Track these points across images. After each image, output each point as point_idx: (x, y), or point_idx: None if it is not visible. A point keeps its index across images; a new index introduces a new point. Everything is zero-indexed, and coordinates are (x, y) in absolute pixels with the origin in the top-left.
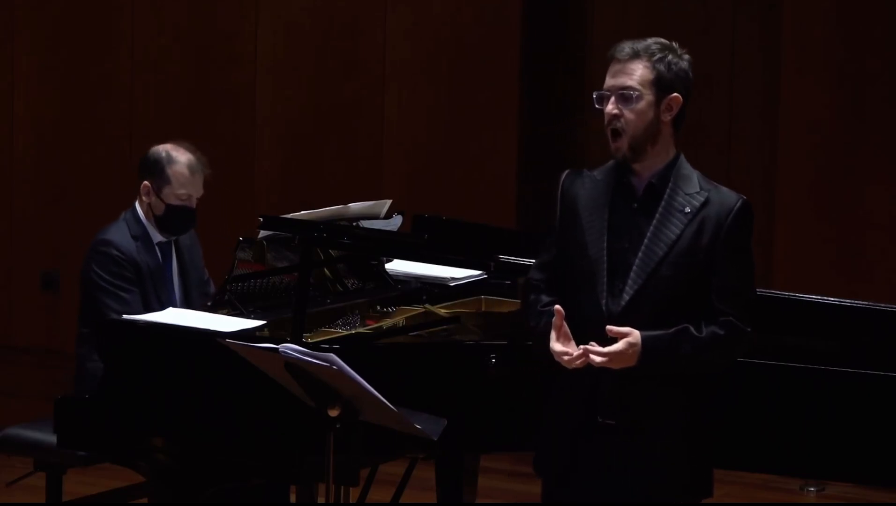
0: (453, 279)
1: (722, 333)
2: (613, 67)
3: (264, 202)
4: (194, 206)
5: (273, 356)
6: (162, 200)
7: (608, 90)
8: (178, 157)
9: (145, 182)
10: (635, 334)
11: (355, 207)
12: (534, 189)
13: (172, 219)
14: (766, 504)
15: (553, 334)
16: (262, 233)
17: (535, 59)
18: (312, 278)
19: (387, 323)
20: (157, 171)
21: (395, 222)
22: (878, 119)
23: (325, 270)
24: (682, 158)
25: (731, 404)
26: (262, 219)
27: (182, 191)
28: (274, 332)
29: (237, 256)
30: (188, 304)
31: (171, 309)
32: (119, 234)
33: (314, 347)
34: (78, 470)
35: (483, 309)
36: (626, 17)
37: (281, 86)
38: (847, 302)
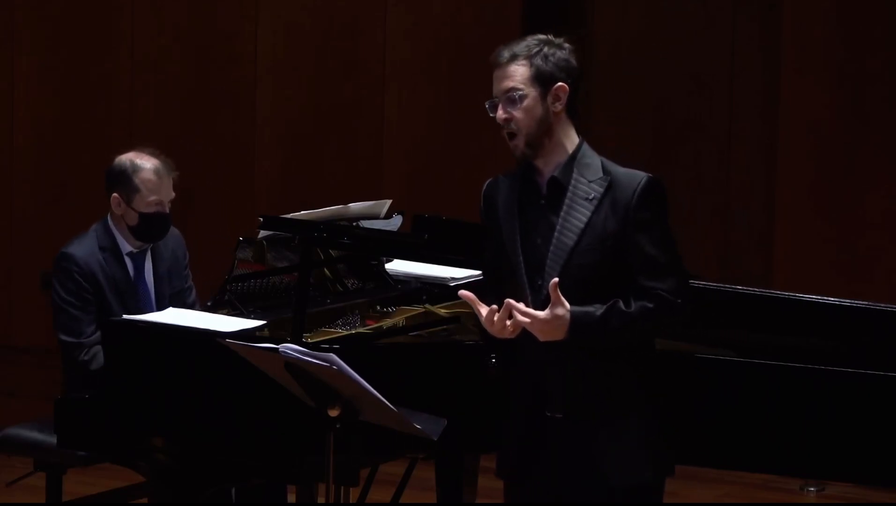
0: (453, 279)
1: (651, 305)
2: (495, 74)
3: (264, 202)
4: (167, 210)
5: (273, 356)
6: (133, 209)
7: (496, 97)
8: (144, 163)
9: (115, 194)
10: (566, 307)
11: (355, 207)
12: None
13: (147, 227)
14: (766, 504)
15: (478, 310)
16: (262, 233)
17: None
18: (312, 278)
19: (387, 323)
20: (124, 181)
21: (395, 222)
22: (878, 119)
23: (325, 270)
24: (585, 146)
25: (731, 403)
26: (262, 219)
27: (153, 197)
28: (274, 332)
29: (237, 256)
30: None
31: (171, 309)
32: (82, 247)
33: (314, 347)
34: (78, 470)
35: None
36: (626, 17)
37: (281, 86)
38: (847, 302)
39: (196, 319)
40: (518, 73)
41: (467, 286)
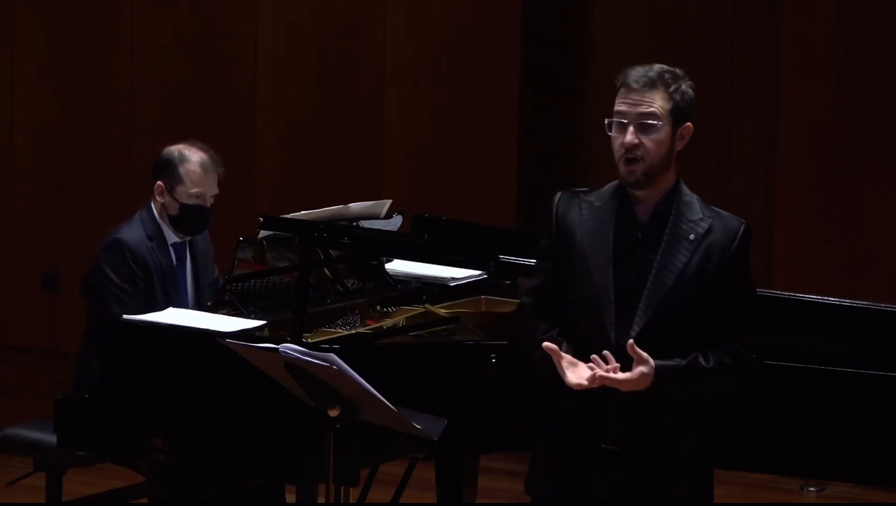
0: (453, 279)
1: (729, 361)
2: (629, 95)
3: (264, 202)
4: (208, 204)
5: (273, 356)
6: (175, 199)
7: (626, 118)
8: (191, 155)
9: (158, 182)
10: (651, 364)
11: (355, 207)
12: (533, 190)
13: (187, 218)
14: (766, 504)
15: (562, 370)
16: (262, 233)
17: (535, 59)
18: (312, 278)
19: (387, 323)
20: (170, 170)
21: (395, 222)
22: (878, 119)
23: (325, 270)
24: (682, 183)
25: (731, 403)
26: (262, 219)
27: (195, 189)
28: (274, 332)
29: (237, 256)
30: (199, 306)
31: (171, 309)
32: (132, 233)
33: (314, 347)
34: (78, 470)
35: (483, 309)
36: (626, 18)
37: (281, 86)
38: (847, 302)
39: (196, 319)
40: (657, 102)
41: (471, 289)
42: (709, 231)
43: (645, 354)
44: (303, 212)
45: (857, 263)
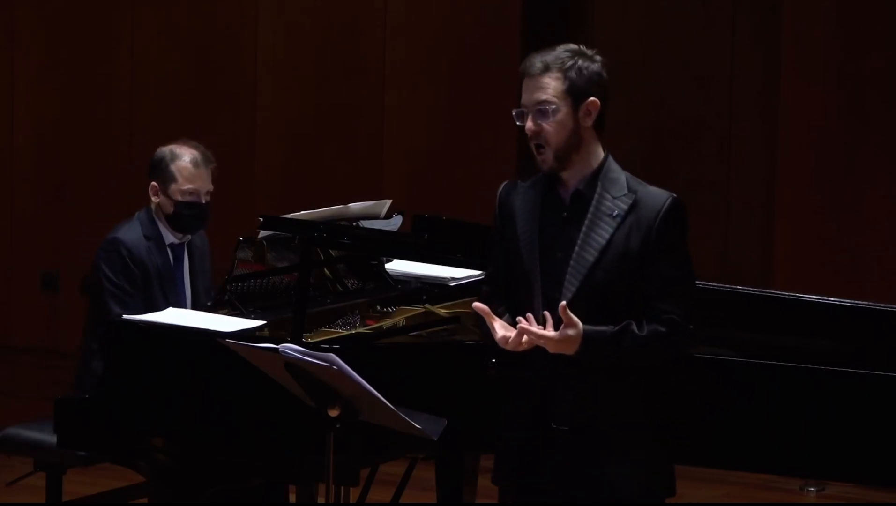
0: (453, 279)
1: (664, 330)
2: (527, 83)
3: (264, 202)
4: (204, 201)
5: (273, 356)
6: (170, 197)
7: (525, 107)
8: (182, 153)
9: (153, 182)
10: (579, 327)
11: (355, 207)
12: None
13: (183, 216)
14: (766, 504)
15: (492, 326)
16: (262, 233)
17: None
18: (312, 278)
19: (387, 323)
20: (162, 169)
21: (395, 222)
22: (878, 119)
23: (325, 270)
24: (611, 160)
25: (731, 403)
26: (262, 219)
27: (188, 186)
28: (274, 332)
29: (237, 256)
30: (196, 308)
31: (170, 309)
32: (130, 233)
33: (314, 347)
34: (78, 470)
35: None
36: (626, 17)
37: (281, 86)
38: (847, 302)
39: (196, 319)
40: (551, 86)
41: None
42: (633, 206)
43: (575, 318)
44: (303, 212)
45: (857, 263)
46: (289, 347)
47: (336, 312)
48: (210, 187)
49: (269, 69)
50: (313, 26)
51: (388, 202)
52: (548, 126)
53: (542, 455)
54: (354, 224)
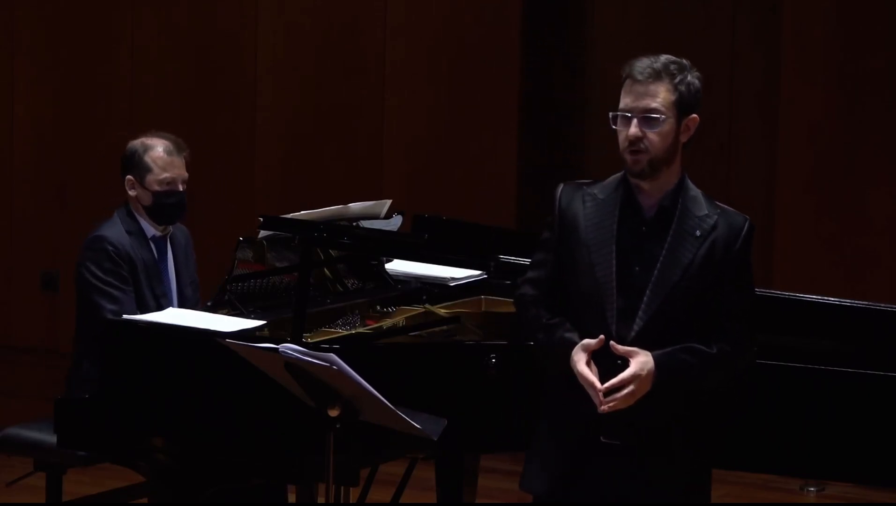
0: (453, 279)
1: (730, 349)
2: (633, 88)
3: (264, 202)
4: (181, 189)
5: (273, 356)
6: (147, 188)
7: (629, 111)
8: (154, 143)
9: (128, 176)
10: (645, 353)
11: (355, 207)
12: (534, 189)
13: (162, 206)
14: (766, 504)
15: (583, 356)
16: (262, 233)
17: (535, 59)
18: (312, 278)
19: (387, 323)
20: (136, 161)
21: (395, 222)
22: (878, 119)
23: (325, 270)
24: (688, 178)
25: (731, 403)
26: (262, 219)
27: (165, 175)
28: (274, 332)
29: (237, 256)
30: (182, 298)
31: (170, 309)
32: (112, 229)
33: (314, 347)
34: (78, 470)
35: (483, 309)
36: (626, 17)
37: (281, 86)
38: (847, 302)
39: (196, 319)
40: (661, 95)
41: (471, 289)
42: (714, 227)
43: (632, 348)
44: (303, 212)
45: (857, 262)
46: (289, 347)
47: (336, 312)
48: (185, 175)
49: (269, 69)
50: (313, 26)
51: (388, 202)
52: (652, 135)
53: (587, 468)
54: (354, 224)
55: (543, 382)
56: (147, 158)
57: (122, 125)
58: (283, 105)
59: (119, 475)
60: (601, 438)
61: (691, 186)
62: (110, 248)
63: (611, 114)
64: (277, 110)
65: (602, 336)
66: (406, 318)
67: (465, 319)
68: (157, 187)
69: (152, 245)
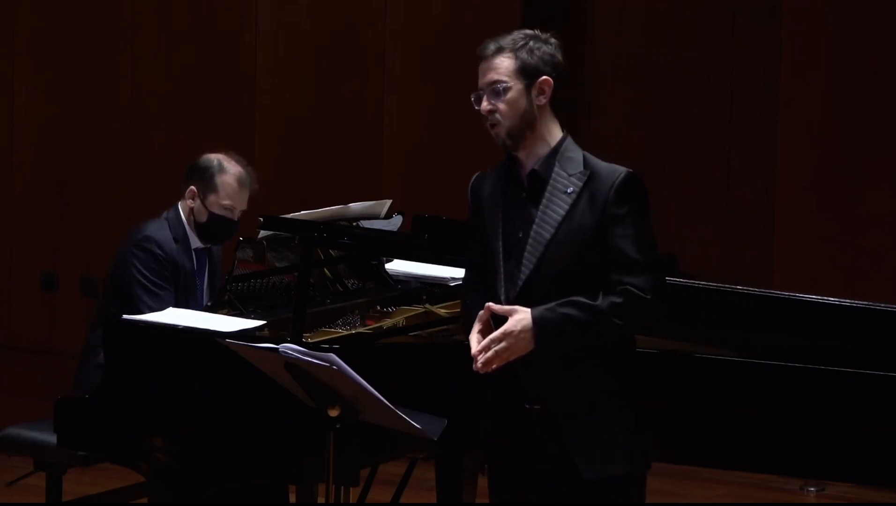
0: (453, 279)
1: (619, 300)
2: (481, 66)
3: (264, 202)
4: (236, 218)
5: (273, 356)
6: (206, 207)
7: (480, 89)
8: (230, 167)
9: (192, 186)
10: (522, 310)
11: (355, 207)
12: None
13: (213, 228)
14: (766, 504)
15: (476, 326)
16: (262, 233)
17: None
18: (312, 278)
19: (387, 323)
20: (207, 177)
21: (395, 222)
22: (878, 119)
23: (325, 270)
24: (569, 141)
25: (731, 403)
26: (262, 219)
27: (227, 202)
28: (274, 332)
29: (237, 256)
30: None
31: (171, 309)
32: (161, 232)
33: (314, 347)
34: (78, 470)
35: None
36: (626, 18)
37: (281, 86)
38: (847, 302)
39: (196, 319)
40: (503, 66)
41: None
42: (587, 182)
43: (509, 306)
44: (303, 212)
45: (857, 262)
46: (289, 347)
47: (336, 312)
48: (245, 207)
49: (269, 69)
50: (313, 26)
51: (388, 202)
52: (500, 105)
53: (520, 437)
54: (354, 224)
55: None
56: (218, 180)
57: (122, 125)
58: (283, 105)
59: (119, 475)
60: (524, 404)
61: (572, 147)
62: (158, 251)
63: (472, 96)
64: (277, 110)
65: (487, 304)
66: (406, 318)
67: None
68: (215, 210)
69: (194, 256)
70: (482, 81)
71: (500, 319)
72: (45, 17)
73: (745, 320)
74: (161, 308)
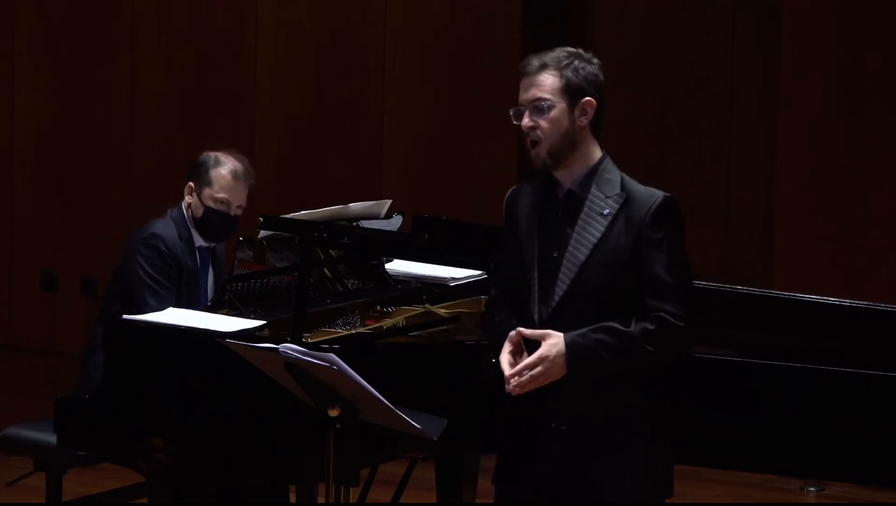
0: (453, 279)
1: (652, 327)
2: (524, 82)
3: (264, 202)
4: (233, 213)
5: (273, 356)
6: (202, 201)
7: (522, 104)
8: (225, 162)
9: (189, 182)
10: (555, 335)
11: (355, 207)
12: None
13: (209, 223)
14: (766, 504)
15: (507, 346)
16: (262, 233)
17: None
18: (312, 278)
19: (387, 323)
20: (202, 172)
21: (395, 222)
22: (878, 119)
23: (325, 270)
24: (608, 161)
25: (731, 403)
26: (262, 219)
27: (221, 195)
28: (274, 332)
29: (237, 256)
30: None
31: (171, 309)
32: (167, 230)
33: (314, 347)
34: (78, 470)
35: (483, 309)
36: (627, 18)
37: (281, 86)
38: (847, 302)
39: (196, 319)
40: (547, 83)
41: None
42: (624, 205)
43: (542, 330)
44: (303, 212)
45: (857, 262)
46: (289, 347)
47: (336, 312)
48: (243, 202)
49: (269, 69)
50: (313, 26)
51: (388, 202)
52: (543, 122)
53: (541, 455)
54: (354, 224)
55: None
56: (212, 173)
57: (122, 125)
58: (283, 105)
59: (119, 475)
60: (550, 423)
61: (610, 168)
62: (164, 248)
63: (511, 111)
64: (277, 110)
65: (519, 329)
66: (406, 318)
67: (465, 319)
68: (210, 204)
69: (198, 255)
70: (524, 97)
71: (531, 341)
72: (45, 17)
73: (745, 320)
74: (162, 307)
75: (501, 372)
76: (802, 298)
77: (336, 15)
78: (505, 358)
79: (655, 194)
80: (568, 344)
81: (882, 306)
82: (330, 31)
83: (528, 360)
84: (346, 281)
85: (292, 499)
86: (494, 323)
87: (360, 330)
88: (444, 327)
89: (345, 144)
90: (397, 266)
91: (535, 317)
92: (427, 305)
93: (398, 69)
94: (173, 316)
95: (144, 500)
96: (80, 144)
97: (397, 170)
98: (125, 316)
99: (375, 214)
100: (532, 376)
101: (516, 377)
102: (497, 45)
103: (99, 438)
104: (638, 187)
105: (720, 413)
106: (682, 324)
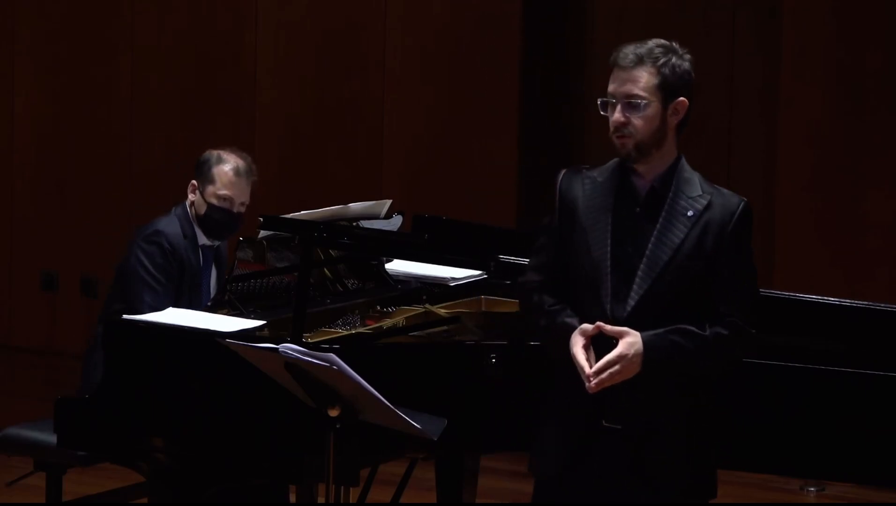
0: (453, 279)
1: (726, 333)
2: (618, 74)
3: (264, 202)
4: (236, 210)
5: (273, 356)
6: (204, 198)
7: (614, 97)
8: (227, 159)
9: (193, 180)
10: (634, 334)
11: (355, 207)
12: (534, 189)
13: (212, 220)
14: (766, 504)
15: (580, 340)
16: (262, 233)
17: (535, 59)
18: (312, 278)
19: (387, 323)
20: (205, 169)
21: (395, 222)
22: (878, 119)
23: (325, 270)
24: (684, 160)
25: (731, 404)
26: (262, 219)
27: (223, 192)
28: (274, 332)
29: (237, 256)
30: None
31: (170, 309)
32: (170, 227)
33: (314, 347)
34: (78, 470)
35: (483, 309)
36: (626, 18)
37: (281, 86)
38: (847, 302)
39: (196, 319)
40: (643, 80)
41: (471, 289)
42: (707, 208)
43: (621, 328)
44: (303, 212)
45: (857, 262)
46: (289, 347)
47: (336, 312)
48: (246, 199)
49: (269, 69)
50: (313, 26)
51: (388, 202)
52: (636, 120)
53: (591, 452)
54: (354, 224)
55: (544, 377)
56: (214, 171)
57: (122, 125)
58: (283, 105)
59: (119, 475)
60: (603, 422)
61: (687, 167)
62: (167, 245)
63: (599, 100)
64: (277, 110)
65: (598, 324)
66: (406, 318)
67: (465, 319)
68: (212, 200)
69: (201, 253)
70: (618, 90)
71: (598, 337)
72: (45, 17)
73: None
74: (158, 304)
75: (574, 364)
76: (802, 298)
77: (336, 15)
78: (581, 352)
79: (736, 198)
80: (646, 344)
81: (882, 306)
82: (330, 31)
83: (608, 357)
84: (346, 281)
85: (292, 499)
86: (546, 310)
87: (360, 330)
88: (444, 327)
89: (345, 144)
90: (397, 266)
91: (608, 313)
92: (427, 305)
93: (398, 69)
94: (173, 316)
95: (144, 500)
96: (80, 143)
97: (397, 170)
98: (125, 316)
99: (375, 214)
100: (611, 375)
101: (596, 375)
102: (497, 45)
103: (99, 438)
104: (720, 190)
105: (720, 413)
106: (753, 331)
